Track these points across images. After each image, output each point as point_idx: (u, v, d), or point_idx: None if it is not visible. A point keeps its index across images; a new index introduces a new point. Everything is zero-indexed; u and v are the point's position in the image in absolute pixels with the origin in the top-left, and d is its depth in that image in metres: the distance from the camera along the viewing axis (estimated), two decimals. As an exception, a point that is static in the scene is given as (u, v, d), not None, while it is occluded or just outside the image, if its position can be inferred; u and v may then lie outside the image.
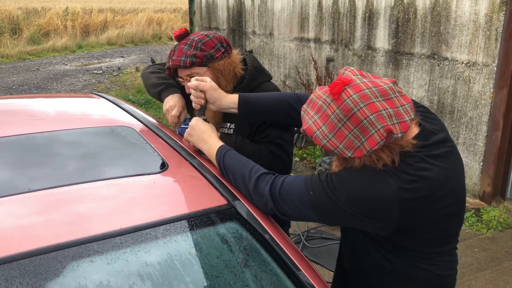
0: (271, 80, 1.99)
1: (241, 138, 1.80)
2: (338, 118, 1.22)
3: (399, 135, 1.20)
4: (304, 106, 1.33)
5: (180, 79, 1.88)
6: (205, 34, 1.83)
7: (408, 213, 1.27)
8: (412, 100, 1.45)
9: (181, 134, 1.82)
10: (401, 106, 1.24)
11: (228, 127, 1.89)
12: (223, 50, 1.83)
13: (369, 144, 1.20)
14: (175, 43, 1.89)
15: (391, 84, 1.26)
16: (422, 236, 1.35)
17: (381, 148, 1.23)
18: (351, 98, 1.20)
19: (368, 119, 1.19)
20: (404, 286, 1.44)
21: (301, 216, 1.40)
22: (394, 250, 1.39)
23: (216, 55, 1.81)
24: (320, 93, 1.28)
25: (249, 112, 1.71)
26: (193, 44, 1.79)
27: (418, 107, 1.46)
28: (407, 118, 1.22)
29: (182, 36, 1.84)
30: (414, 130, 1.35)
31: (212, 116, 1.86)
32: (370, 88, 1.22)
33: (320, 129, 1.25)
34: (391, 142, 1.23)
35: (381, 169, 1.27)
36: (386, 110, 1.20)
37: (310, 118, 1.29)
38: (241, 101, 1.69)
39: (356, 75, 1.27)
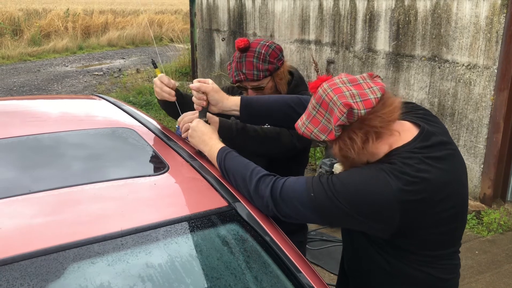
0: None
1: (239, 122, 1.83)
2: (313, 106, 1.36)
3: (362, 111, 1.26)
4: None
5: (238, 85, 1.99)
6: (267, 45, 1.95)
7: (408, 215, 1.27)
8: (413, 103, 1.46)
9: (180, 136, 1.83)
10: (369, 88, 1.31)
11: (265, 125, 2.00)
12: (283, 60, 1.98)
13: (333, 121, 1.29)
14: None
15: (365, 75, 1.37)
16: (423, 239, 1.35)
17: (353, 129, 1.29)
18: (322, 88, 1.35)
19: (332, 100, 1.30)
20: None
21: (302, 217, 1.40)
22: (395, 252, 1.39)
23: (279, 64, 1.95)
24: None
25: (251, 115, 1.71)
26: (261, 57, 1.91)
27: (418, 109, 1.46)
28: (372, 97, 1.28)
29: (246, 49, 1.94)
30: (414, 131, 1.35)
31: None
32: (342, 79, 1.36)
33: (302, 121, 1.40)
34: (361, 122, 1.28)
35: (380, 170, 1.27)
36: (350, 91, 1.29)
37: (299, 119, 1.43)
38: (243, 104, 1.69)
39: (340, 76, 1.38)
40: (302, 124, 1.39)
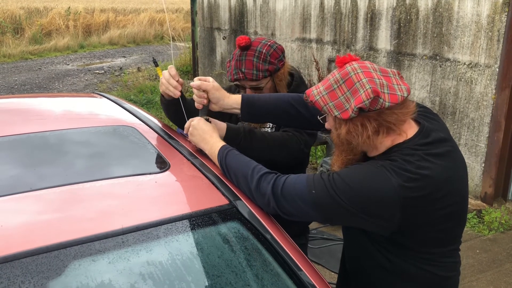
0: None
1: (247, 126, 1.82)
2: (336, 80, 1.33)
3: (387, 103, 1.26)
4: None
5: (236, 84, 1.97)
6: (269, 45, 1.91)
7: (409, 212, 1.27)
8: (413, 101, 1.46)
9: (182, 134, 1.82)
10: (397, 85, 1.31)
11: (270, 127, 1.98)
12: (284, 60, 1.95)
13: (355, 102, 1.26)
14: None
15: (394, 70, 1.35)
16: (424, 236, 1.35)
17: (368, 117, 1.29)
18: (352, 66, 1.32)
19: (361, 81, 1.28)
20: (406, 287, 1.44)
21: (303, 215, 1.40)
22: (395, 250, 1.39)
23: (280, 65, 1.92)
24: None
25: (252, 113, 1.71)
26: (262, 56, 1.87)
27: (419, 107, 1.47)
28: (399, 94, 1.29)
29: (247, 47, 1.90)
30: (414, 128, 1.36)
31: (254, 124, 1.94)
32: (373, 66, 1.33)
33: (318, 89, 1.36)
34: (379, 113, 1.28)
35: (381, 167, 1.28)
36: (380, 80, 1.29)
37: (315, 87, 1.39)
38: (244, 102, 1.68)
39: (372, 64, 1.36)
40: (318, 92, 1.35)
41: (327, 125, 1.42)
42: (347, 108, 1.28)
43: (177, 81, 1.73)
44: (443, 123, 1.46)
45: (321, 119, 1.43)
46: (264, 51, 1.88)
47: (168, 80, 1.73)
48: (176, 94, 1.73)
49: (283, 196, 1.37)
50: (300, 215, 1.40)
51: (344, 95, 1.29)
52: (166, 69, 1.76)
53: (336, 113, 1.30)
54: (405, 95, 1.29)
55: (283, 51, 1.96)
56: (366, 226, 1.35)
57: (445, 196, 1.31)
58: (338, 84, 1.31)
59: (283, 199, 1.37)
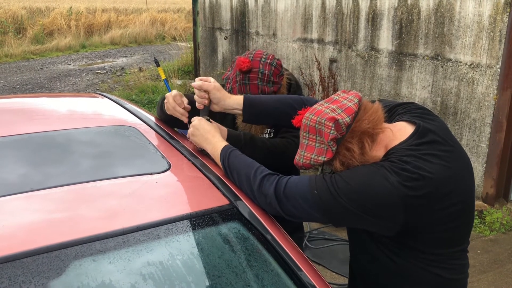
0: None
1: (247, 132, 1.82)
2: (303, 136, 1.40)
3: (347, 119, 1.32)
4: None
5: None
6: (269, 63, 1.91)
7: (413, 211, 1.27)
8: (413, 102, 1.48)
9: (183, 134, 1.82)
10: (345, 99, 1.38)
11: (268, 132, 1.99)
12: (284, 74, 1.97)
13: (325, 139, 1.32)
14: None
15: (339, 92, 1.45)
16: (429, 237, 1.35)
17: (347, 140, 1.33)
18: (304, 117, 1.39)
19: (317, 122, 1.34)
20: None
21: (306, 216, 1.40)
22: (401, 252, 1.39)
23: (281, 81, 1.95)
24: None
25: (254, 114, 1.70)
26: (265, 78, 1.89)
27: (416, 108, 1.47)
28: (350, 104, 1.35)
29: (249, 70, 1.90)
30: (408, 129, 1.36)
31: (255, 128, 1.95)
32: (320, 102, 1.43)
33: (298, 155, 1.42)
34: (351, 131, 1.33)
35: (381, 167, 1.28)
36: (329, 108, 1.36)
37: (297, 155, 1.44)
38: (246, 103, 1.68)
39: (319, 102, 1.44)
40: (299, 156, 1.41)
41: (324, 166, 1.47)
42: (326, 148, 1.34)
43: (184, 108, 1.74)
44: (443, 123, 1.46)
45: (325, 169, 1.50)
46: (266, 72, 1.89)
47: (174, 108, 1.74)
48: (184, 119, 1.75)
49: (286, 197, 1.37)
50: (302, 216, 1.40)
51: (317, 141, 1.36)
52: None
53: (322, 158, 1.35)
54: (356, 101, 1.36)
55: (281, 65, 1.97)
56: (369, 227, 1.35)
57: (449, 194, 1.30)
58: (306, 138, 1.38)
59: (285, 200, 1.37)
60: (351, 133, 1.33)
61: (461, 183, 1.35)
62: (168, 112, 1.77)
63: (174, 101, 1.74)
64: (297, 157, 1.42)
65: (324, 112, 1.34)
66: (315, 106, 1.40)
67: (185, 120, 1.75)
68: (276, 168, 1.56)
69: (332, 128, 1.30)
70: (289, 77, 2.06)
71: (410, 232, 1.32)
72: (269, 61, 1.92)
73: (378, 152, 1.36)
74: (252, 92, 1.87)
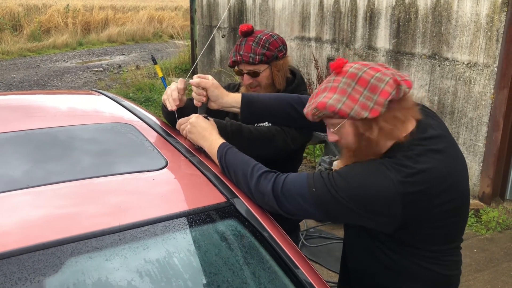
0: None
1: (235, 122, 1.81)
2: (347, 84, 1.29)
3: (406, 89, 1.28)
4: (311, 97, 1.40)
5: (236, 71, 1.98)
6: (270, 34, 1.95)
7: (410, 207, 1.27)
8: None
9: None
10: (397, 74, 1.32)
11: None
12: (284, 52, 1.97)
13: (382, 96, 1.25)
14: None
15: (380, 63, 1.37)
16: (427, 233, 1.35)
17: (393, 109, 1.28)
18: (353, 67, 1.31)
19: (374, 77, 1.27)
20: (409, 286, 1.44)
21: (303, 213, 1.40)
22: (398, 249, 1.39)
23: (279, 55, 1.94)
24: (328, 77, 1.37)
25: (252, 112, 1.70)
26: (261, 42, 1.90)
27: (416, 105, 1.47)
28: (408, 78, 1.31)
29: (248, 33, 1.94)
30: (412, 123, 1.36)
31: None
32: (369, 62, 1.35)
33: (332, 98, 1.29)
34: (399, 104, 1.29)
35: (380, 164, 1.28)
36: (389, 71, 1.30)
37: (319, 97, 1.33)
38: (244, 101, 1.68)
39: (366, 62, 1.36)
40: (336, 101, 1.27)
41: (338, 137, 1.37)
42: (373, 106, 1.25)
43: (181, 97, 1.76)
44: (441, 120, 1.46)
45: (333, 132, 1.37)
46: (264, 38, 1.92)
47: (172, 91, 1.76)
48: (172, 107, 1.75)
49: (284, 194, 1.37)
50: (300, 213, 1.40)
51: (363, 95, 1.26)
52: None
53: (366, 114, 1.25)
54: (409, 79, 1.32)
55: (284, 43, 1.98)
56: (367, 224, 1.35)
57: (446, 190, 1.31)
58: (352, 87, 1.27)
59: (283, 197, 1.37)
60: (398, 105, 1.28)
61: (457, 180, 1.36)
62: (163, 98, 1.80)
63: (175, 85, 1.77)
64: (330, 101, 1.28)
65: (384, 72, 1.27)
66: (366, 62, 1.32)
67: (173, 108, 1.74)
68: (265, 157, 1.57)
69: (394, 89, 1.25)
70: (295, 70, 2.06)
71: (408, 229, 1.33)
72: (271, 33, 1.97)
73: (388, 142, 1.33)
74: (245, 51, 1.89)
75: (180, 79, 1.80)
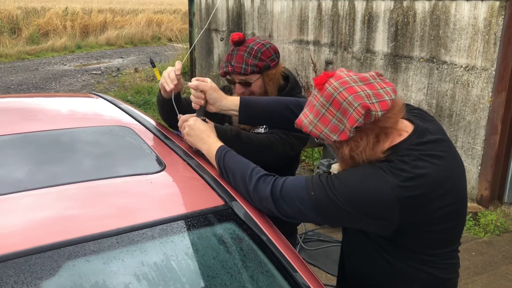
0: None
1: (234, 127, 1.81)
2: (322, 104, 1.30)
3: (379, 113, 1.25)
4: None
5: (227, 80, 1.97)
6: (262, 43, 1.93)
7: (408, 211, 1.27)
8: (407, 103, 1.47)
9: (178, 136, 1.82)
10: (381, 88, 1.29)
11: (264, 127, 1.98)
12: (276, 61, 1.96)
13: (349, 122, 1.25)
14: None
15: (373, 73, 1.33)
16: (424, 237, 1.35)
17: (366, 131, 1.27)
18: (332, 85, 1.29)
19: (346, 100, 1.25)
20: None
21: (302, 217, 1.39)
22: (396, 252, 1.39)
23: (271, 65, 1.92)
24: (312, 91, 1.37)
25: (250, 116, 1.70)
26: (253, 52, 1.89)
27: (413, 109, 1.48)
28: (387, 98, 1.27)
29: (240, 42, 1.91)
30: (409, 128, 1.36)
31: None
32: (351, 76, 1.31)
33: (308, 118, 1.34)
34: (374, 123, 1.27)
35: (378, 168, 1.28)
36: (365, 92, 1.26)
37: (302, 111, 1.37)
38: (242, 104, 1.68)
39: (343, 71, 1.34)
40: (309, 122, 1.33)
41: (327, 142, 1.40)
42: (343, 129, 1.27)
43: (178, 77, 1.74)
44: (439, 124, 1.46)
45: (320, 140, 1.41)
46: (255, 48, 1.90)
47: (169, 73, 1.74)
48: (169, 87, 1.73)
49: (282, 197, 1.37)
50: (299, 216, 1.40)
51: (335, 117, 1.28)
52: (163, 70, 1.76)
53: (334, 137, 1.29)
54: (393, 97, 1.28)
55: (276, 52, 1.96)
56: (366, 227, 1.35)
57: (443, 195, 1.31)
58: (326, 108, 1.29)
59: (282, 200, 1.37)
60: (373, 126, 1.27)
61: (455, 184, 1.36)
62: (160, 81, 1.78)
63: (173, 70, 1.75)
64: (305, 119, 1.33)
65: (359, 94, 1.25)
66: (347, 79, 1.29)
67: (171, 88, 1.73)
68: (263, 163, 1.57)
69: (362, 116, 1.23)
70: (287, 73, 2.05)
71: (406, 232, 1.32)
72: (263, 42, 1.94)
73: (384, 147, 1.33)
74: (236, 61, 1.88)
75: (177, 61, 1.78)
